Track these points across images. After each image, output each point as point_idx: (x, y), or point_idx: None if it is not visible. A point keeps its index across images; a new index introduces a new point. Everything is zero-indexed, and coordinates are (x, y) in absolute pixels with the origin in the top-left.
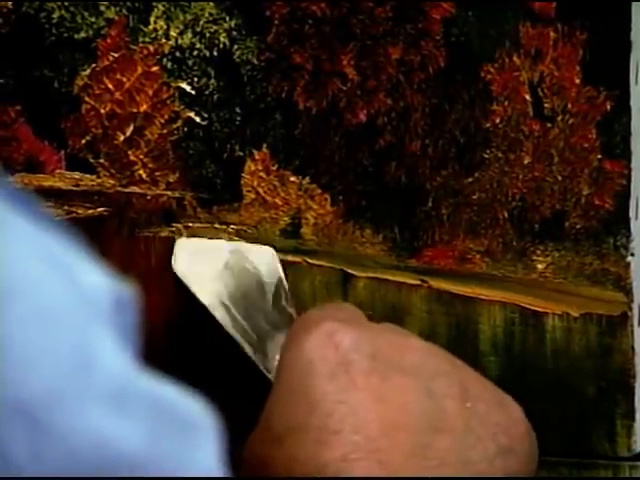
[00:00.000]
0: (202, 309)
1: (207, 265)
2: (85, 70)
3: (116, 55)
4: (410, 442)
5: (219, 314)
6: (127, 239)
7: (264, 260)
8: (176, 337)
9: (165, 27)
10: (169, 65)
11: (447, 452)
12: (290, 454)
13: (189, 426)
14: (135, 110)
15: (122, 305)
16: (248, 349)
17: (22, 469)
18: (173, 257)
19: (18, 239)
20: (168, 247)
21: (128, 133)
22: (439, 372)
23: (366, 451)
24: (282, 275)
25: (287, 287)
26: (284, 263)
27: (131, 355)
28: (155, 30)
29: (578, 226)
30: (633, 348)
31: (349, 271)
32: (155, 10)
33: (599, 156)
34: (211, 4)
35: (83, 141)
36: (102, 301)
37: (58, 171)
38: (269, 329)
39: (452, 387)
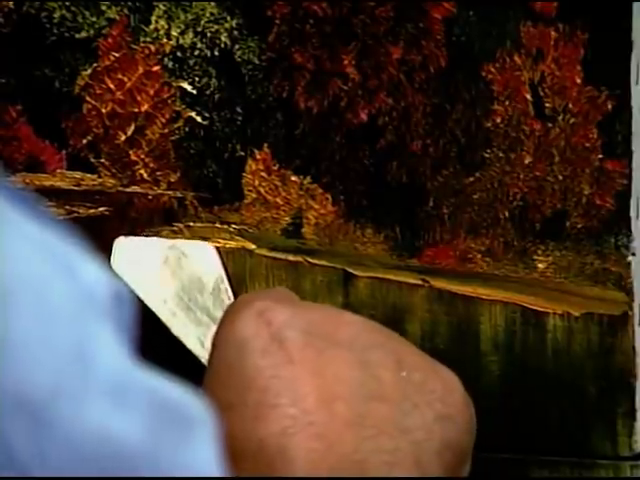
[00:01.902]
0: (143, 307)
1: (146, 263)
2: (86, 70)
3: (117, 55)
4: (347, 412)
5: (159, 311)
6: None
7: (203, 256)
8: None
9: (166, 27)
10: (170, 65)
11: (385, 421)
12: (228, 431)
13: (188, 420)
14: (136, 110)
15: (120, 299)
16: (189, 344)
17: (26, 464)
18: (112, 257)
19: (19, 237)
20: None
21: (129, 133)
22: (373, 344)
23: (304, 424)
24: (222, 271)
25: (228, 282)
26: (285, 263)
27: (129, 349)
28: (156, 30)
29: (579, 226)
30: (634, 348)
31: (350, 271)
32: (156, 10)
33: (600, 156)
34: (212, 4)
35: (84, 141)
36: (101, 296)
37: (59, 171)
38: (210, 324)
39: (387, 357)
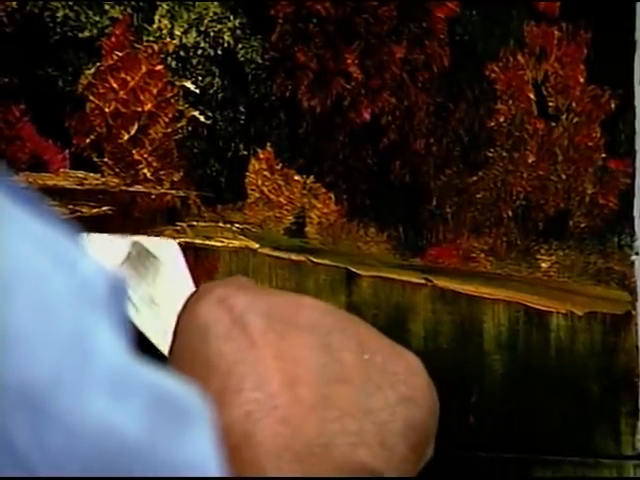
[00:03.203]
0: None
1: (108, 259)
2: (89, 69)
3: (120, 54)
4: (311, 395)
5: None
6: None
7: (166, 252)
8: None
9: (169, 26)
10: (173, 64)
11: (348, 402)
12: None
13: (186, 413)
14: (139, 109)
15: (117, 292)
16: (154, 339)
17: (28, 456)
18: None
19: (20, 231)
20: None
21: (132, 132)
22: (335, 328)
23: (268, 408)
24: (185, 266)
25: (190, 277)
26: (288, 262)
27: (126, 342)
28: (159, 29)
29: (582, 225)
30: (637, 347)
31: (353, 270)
32: (159, 9)
33: (603, 155)
34: (215, 3)
35: (87, 140)
36: (100, 289)
37: (62, 170)
38: (173, 318)
39: (349, 341)
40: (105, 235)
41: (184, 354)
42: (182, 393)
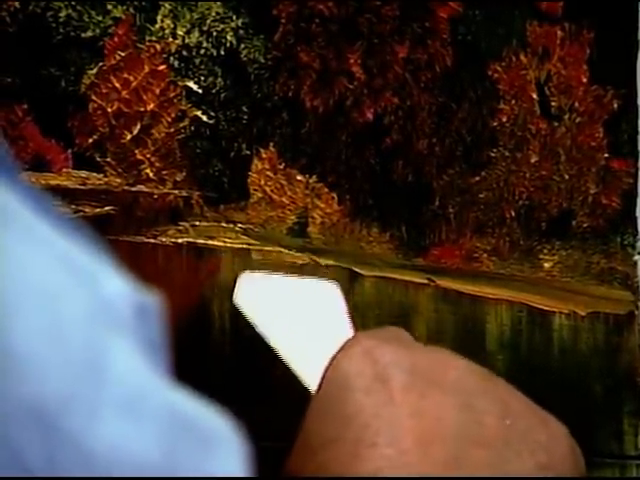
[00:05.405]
0: (262, 341)
1: (268, 299)
2: (92, 69)
3: (123, 54)
4: (444, 455)
5: (279, 347)
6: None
7: (326, 295)
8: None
9: (172, 26)
10: (176, 64)
11: (481, 466)
12: (324, 467)
13: (210, 438)
14: (142, 109)
15: (145, 314)
16: (307, 380)
17: (37, 474)
18: (235, 290)
19: (37, 244)
20: (176, 247)
21: (135, 132)
22: (479, 389)
23: (398, 465)
24: (344, 310)
25: (348, 322)
26: (291, 263)
27: (154, 364)
28: (162, 29)
29: (585, 225)
30: None
31: (356, 270)
32: (162, 9)
33: (606, 155)
34: (218, 3)
35: (90, 140)
36: (121, 309)
37: (65, 170)
38: (323, 362)
39: (492, 404)
40: (266, 274)
41: (324, 401)
42: (207, 418)
